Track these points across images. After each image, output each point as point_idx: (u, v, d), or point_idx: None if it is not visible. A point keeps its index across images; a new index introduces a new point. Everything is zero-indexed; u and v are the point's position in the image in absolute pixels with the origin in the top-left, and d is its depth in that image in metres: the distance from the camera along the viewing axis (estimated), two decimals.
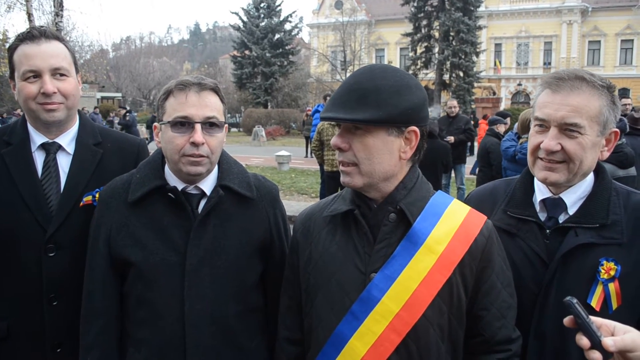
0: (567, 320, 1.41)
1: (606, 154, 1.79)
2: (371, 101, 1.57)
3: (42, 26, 2.16)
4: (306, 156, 22.12)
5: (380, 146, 1.62)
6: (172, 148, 1.84)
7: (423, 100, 1.67)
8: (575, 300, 1.40)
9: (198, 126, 1.82)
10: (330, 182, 8.93)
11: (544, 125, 1.75)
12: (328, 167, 8.75)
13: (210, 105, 1.86)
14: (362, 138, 1.61)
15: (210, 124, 1.86)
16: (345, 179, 1.69)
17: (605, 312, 1.66)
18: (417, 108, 1.63)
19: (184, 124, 1.82)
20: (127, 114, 21.86)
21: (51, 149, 2.16)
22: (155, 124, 1.95)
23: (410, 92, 1.62)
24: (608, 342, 1.34)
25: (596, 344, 1.35)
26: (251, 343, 1.98)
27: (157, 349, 1.87)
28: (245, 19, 48.04)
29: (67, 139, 2.19)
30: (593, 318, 1.40)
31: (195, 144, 1.82)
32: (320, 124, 8.87)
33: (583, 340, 1.37)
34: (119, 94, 47.93)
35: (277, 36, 47.82)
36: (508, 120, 9.82)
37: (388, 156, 1.64)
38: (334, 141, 1.66)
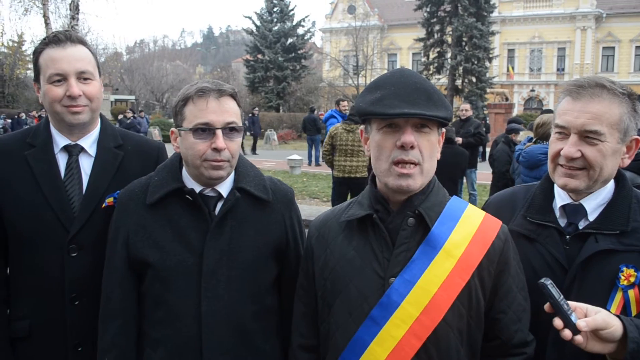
0: (546, 306, 1.56)
1: (627, 161, 1.79)
2: (437, 100, 1.63)
3: (67, 30, 2.20)
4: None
5: (435, 145, 1.69)
6: (194, 154, 1.87)
7: None
8: (549, 282, 1.56)
9: (219, 132, 1.85)
10: (339, 187, 8.72)
11: (564, 132, 1.76)
12: (339, 173, 8.53)
13: (230, 111, 1.89)
14: (428, 136, 1.65)
15: (230, 129, 1.88)
16: (407, 181, 1.64)
17: None
18: None
19: (205, 130, 1.85)
20: (132, 117, 21.90)
21: (74, 151, 2.19)
22: (173, 129, 1.97)
23: None
24: (581, 323, 1.51)
25: (568, 323, 1.52)
26: (266, 344, 2.00)
27: (174, 349, 1.89)
28: (258, 23, 48.19)
29: (89, 142, 2.22)
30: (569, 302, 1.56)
31: (217, 150, 1.84)
32: (334, 128, 8.66)
33: (556, 321, 1.52)
34: (133, 97, 48.25)
35: (289, 40, 47.92)
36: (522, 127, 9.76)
37: (435, 156, 1.70)
38: (405, 139, 1.61)
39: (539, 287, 1.57)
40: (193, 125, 1.85)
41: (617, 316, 1.58)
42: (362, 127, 1.80)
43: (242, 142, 25.28)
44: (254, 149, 25.61)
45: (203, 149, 1.85)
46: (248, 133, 25.49)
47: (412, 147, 1.62)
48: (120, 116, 23.85)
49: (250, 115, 26.69)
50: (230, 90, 1.92)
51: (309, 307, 1.88)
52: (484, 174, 12.60)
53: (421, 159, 1.64)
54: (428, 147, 1.65)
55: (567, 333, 1.51)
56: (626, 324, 1.56)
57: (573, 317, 1.52)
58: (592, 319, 1.53)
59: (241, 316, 1.93)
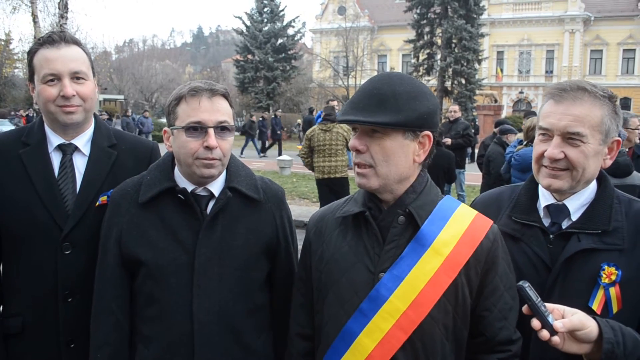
0: (524, 308, 1.60)
1: (609, 162, 1.84)
2: (390, 106, 1.65)
3: (61, 31, 2.22)
4: None
5: (396, 149, 1.69)
6: (186, 152, 1.89)
7: (436, 107, 1.75)
8: (527, 284, 1.60)
9: (211, 130, 1.88)
10: (321, 188, 8.64)
11: (548, 134, 1.81)
12: (319, 175, 8.44)
13: (222, 110, 1.92)
14: (380, 141, 1.68)
15: (222, 128, 1.91)
16: (362, 180, 1.74)
17: (606, 315, 1.71)
18: (432, 114, 1.71)
19: (197, 128, 1.87)
20: (107, 119, 22.22)
21: (67, 150, 2.21)
22: (165, 128, 1.99)
23: (425, 98, 1.71)
24: (558, 324, 1.55)
25: (545, 324, 1.55)
26: (257, 340, 2.03)
27: (166, 345, 1.91)
28: (248, 23, 48.11)
29: (83, 141, 2.24)
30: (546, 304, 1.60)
31: (209, 148, 1.87)
32: (310, 130, 8.55)
33: (534, 322, 1.56)
34: (121, 96, 47.86)
35: (280, 41, 47.91)
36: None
37: (404, 159, 1.71)
38: (352, 143, 1.72)
39: (517, 289, 1.62)
40: (185, 124, 1.88)
41: (594, 318, 1.63)
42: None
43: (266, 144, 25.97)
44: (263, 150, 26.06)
45: (195, 147, 1.88)
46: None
47: (358, 151, 1.70)
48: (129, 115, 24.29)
49: (273, 116, 27.42)
50: (223, 90, 1.95)
51: (306, 298, 1.94)
52: (472, 175, 12.71)
53: (372, 162, 1.70)
54: (379, 151, 1.68)
55: (544, 334, 1.55)
56: (602, 325, 1.60)
57: (550, 319, 1.56)
58: (569, 320, 1.57)
59: (233, 313, 1.96)
